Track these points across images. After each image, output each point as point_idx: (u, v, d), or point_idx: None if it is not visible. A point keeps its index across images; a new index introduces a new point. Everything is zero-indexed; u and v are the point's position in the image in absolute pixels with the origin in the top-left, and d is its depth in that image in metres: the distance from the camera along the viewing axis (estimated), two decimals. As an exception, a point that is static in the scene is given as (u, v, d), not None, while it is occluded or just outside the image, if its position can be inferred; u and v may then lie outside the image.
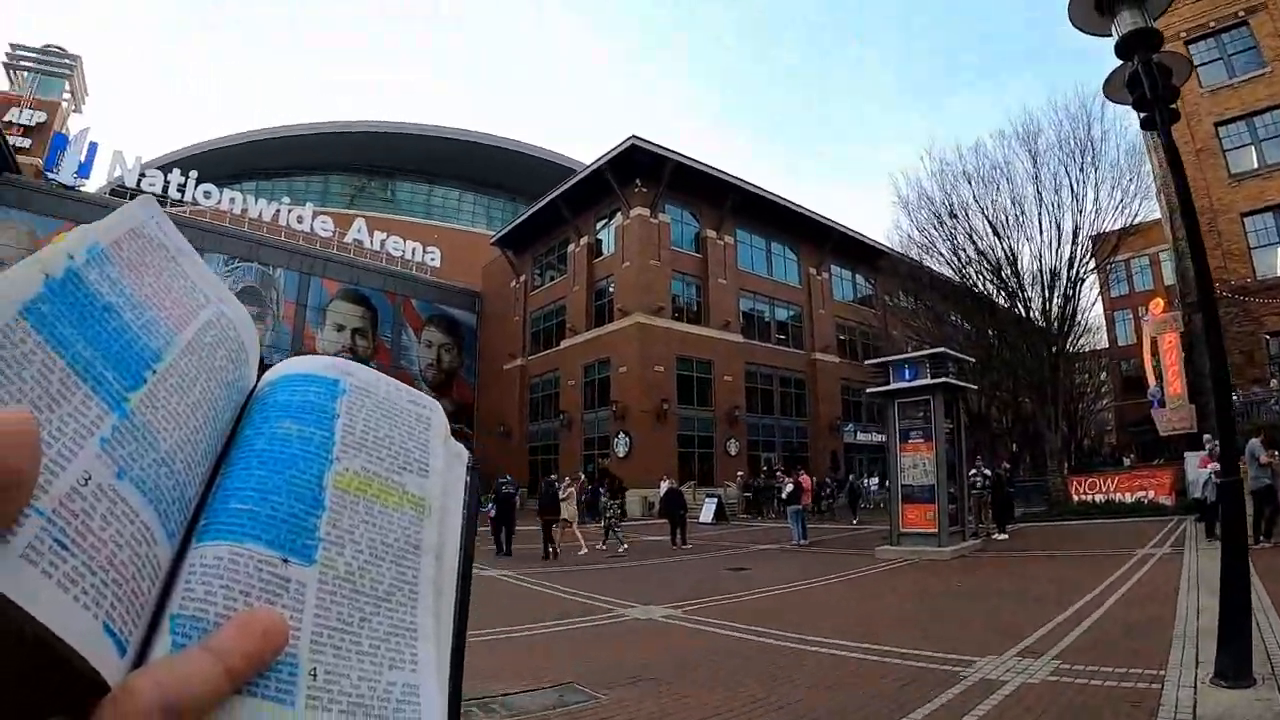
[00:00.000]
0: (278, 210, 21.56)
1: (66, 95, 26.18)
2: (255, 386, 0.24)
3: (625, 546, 9.19)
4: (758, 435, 19.81)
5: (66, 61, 27.01)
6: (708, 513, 15.09)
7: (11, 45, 26.29)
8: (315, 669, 0.19)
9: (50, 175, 19.86)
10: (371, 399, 0.24)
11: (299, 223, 21.66)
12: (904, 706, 2.66)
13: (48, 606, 0.14)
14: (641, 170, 17.75)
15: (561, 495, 9.21)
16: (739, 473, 17.59)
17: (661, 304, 18.05)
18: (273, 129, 29.84)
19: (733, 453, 18.79)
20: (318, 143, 29.48)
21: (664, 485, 13.51)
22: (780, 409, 20.80)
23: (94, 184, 20.40)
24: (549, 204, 20.44)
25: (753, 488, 16.99)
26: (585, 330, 19.25)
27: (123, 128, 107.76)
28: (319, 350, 19.97)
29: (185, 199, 20.59)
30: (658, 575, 7.55)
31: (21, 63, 26.26)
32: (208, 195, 20.86)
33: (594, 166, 18.51)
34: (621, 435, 17.46)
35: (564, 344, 19.90)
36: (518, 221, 22.40)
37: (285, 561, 0.19)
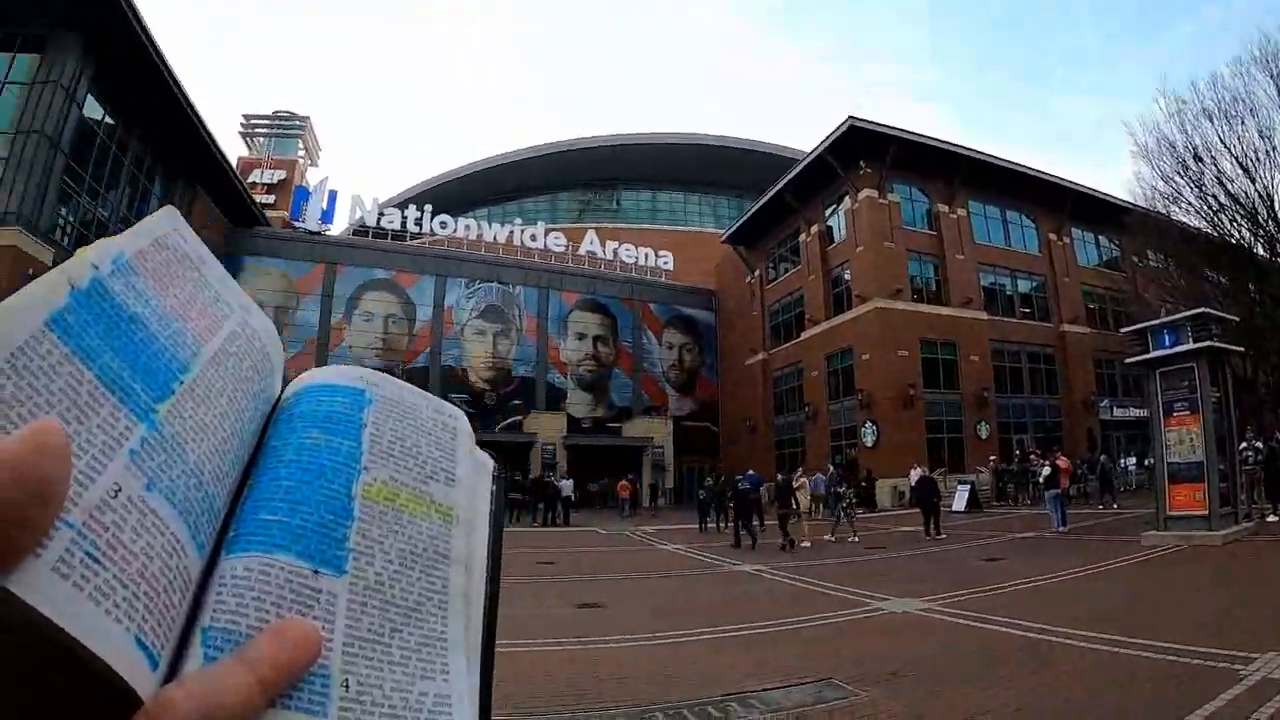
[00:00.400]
0: (511, 231, 41.38)
1: (301, 152, 53.24)
2: (280, 396, 0.40)
3: (856, 537, 15.26)
4: (1008, 417, 31.23)
5: (296, 123, 53.58)
6: (960, 500, 21.57)
7: (245, 116, 56.74)
8: (348, 680, 0.31)
9: (297, 224, 40.92)
10: (398, 409, 0.40)
11: (533, 241, 41.42)
12: (1181, 707, 3.66)
13: (79, 620, 0.22)
14: (864, 151, 30.67)
15: (795, 485, 14.94)
16: (990, 457, 28.88)
17: (899, 286, 30.42)
18: (497, 156, 53.15)
19: (983, 436, 30.16)
20: (541, 164, 52.97)
21: (914, 473, 20.09)
22: (1030, 387, 32.10)
23: (337, 228, 43.74)
24: (775, 196, 35.82)
25: (1005, 473, 27.04)
26: (824, 320, 32.83)
27: (360, 173, 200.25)
28: (563, 360, 39.13)
29: (424, 230, 41.10)
30: (912, 567, 10.45)
31: (256, 129, 54.94)
32: (444, 225, 41.12)
33: (815, 153, 32.49)
34: (868, 424, 29.84)
35: (804, 335, 34.17)
36: (746, 217, 39.19)
37: (316, 573, 0.32)
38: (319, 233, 39.63)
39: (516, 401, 37.04)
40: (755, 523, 14.75)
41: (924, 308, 29.95)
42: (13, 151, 22.71)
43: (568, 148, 52.97)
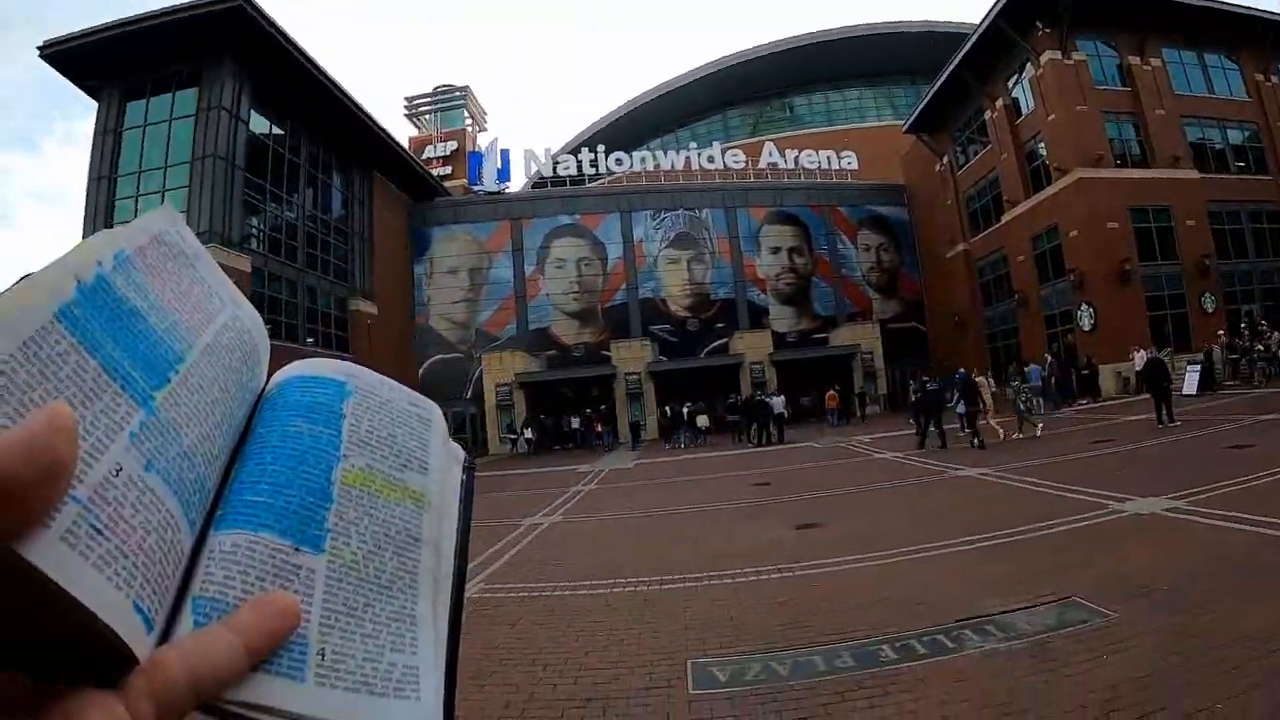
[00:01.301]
0: (687, 156, 56.45)
1: (468, 121, 74.65)
2: (266, 386, 0.66)
3: (1040, 430, 21.57)
4: (1234, 285, 40.51)
5: (457, 94, 75.76)
6: (1190, 383, 27.42)
7: (406, 98, 76.10)
8: (324, 649, 0.53)
9: (476, 188, 59.83)
10: (375, 400, 0.66)
11: (710, 162, 56.12)
12: None
13: (84, 585, 0.41)
14: (1039, 9, 38.40)
15: (976, 380, 21.94)
16: (1219, 332, 34.09)
17: (1100, 152, 40.00)
18: (660, 85, 71.14)
19: (1209, 310, 38.73)
20: (705, 86, 68.81)
21: (1137, 356, 30.45)
22: (1256, 251, 41.33)
23: (515, 184, 60.80)
24: (950, 75, 47.13)
25: (1237, 349, 31.33)
26: (1024, 199, 43.87)
27: (529, 128, 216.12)
28: (760, 276, 53.58)
29: (600, 171, 57.35)
30: (1149, 460, 13.09)
31: (420, 108, 75.86)
32: (619, 163, 57.11)
33: (987, 19, 41.05)
34: (1084, 307, 38.57)
35: (1004, 219, 45.84)
36: (924, 102, 51.37)
37: (297, 550, 0.56)
38: (498, 192, 57.53)
39: (719, 324, 51.72)
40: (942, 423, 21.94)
41: (1129, 172, 38.34)
42: (194, 177, 36.24)
43: (728, 63, 69.51)
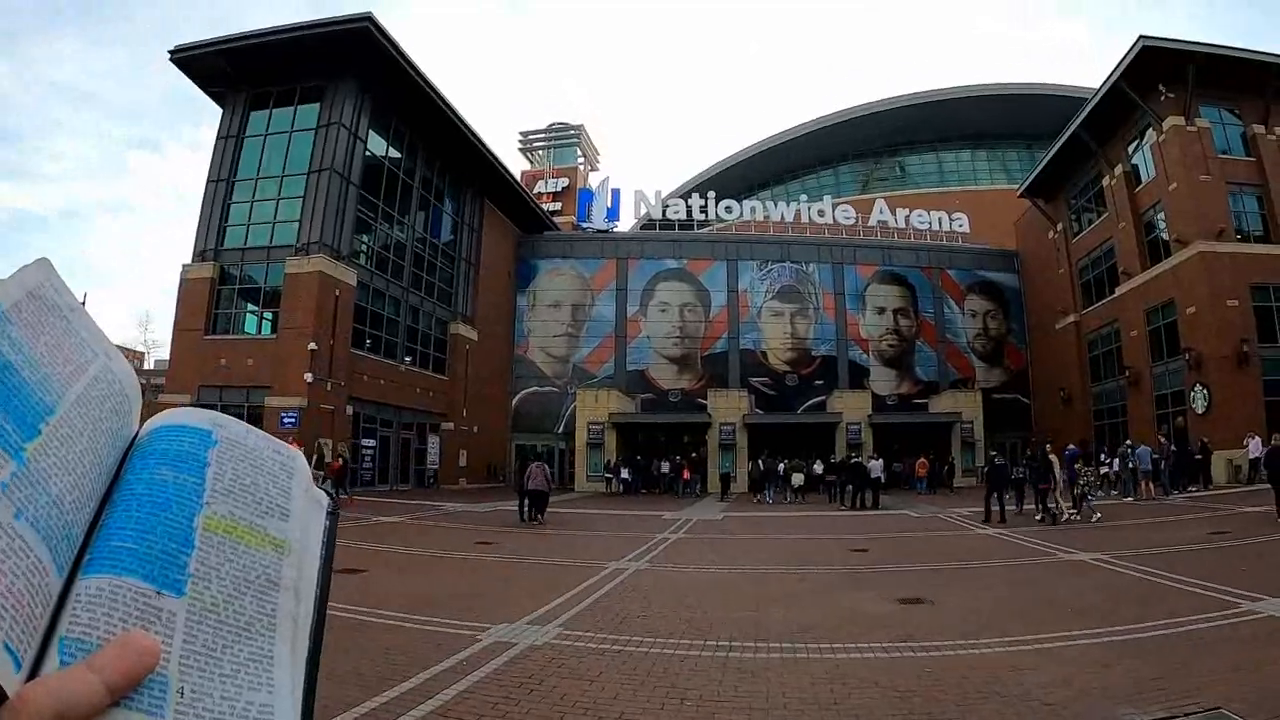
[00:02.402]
0: (798, 209, 57.16)
1: (580, 159, 78.32)
2: (138, 433, 0.71)
3: (1098, 516, 21.84)
4: None
5: (571, 132, 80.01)
6: None
7: (521, 133, 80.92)
8: (183, 687, 0.57)
9: (585, 225, 60.87)
10: (239, 449, 0.71)
11: (820, 216, 56.81)
12: None
13: None
14: (1162, 74, 37.90)
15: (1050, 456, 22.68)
16: None
17: (1222, 225, 38.68)
18: (774, 136, 72.64)
19: None
20: (818, 139, 70.11)
21: (1251, 444, 27.84)
22: None
23: (624, 224, 61.65)
24: (1069, 139, 46.69)
25: None
26: (1140, 271, 42.95)
27: (640, 169, 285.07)
28: (863, 336, 53.26)
29: (710, 217, 58.19)
30: (1275, 556, 12.86)
31: (534, 144, 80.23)
32: (729, 210, 58.15)
33: (1108, 83, 40.58)
34: (1198, 388, 37.13)
35: (1118, 291, 44.89)
36: (1041, 166, 51.02)
37: (159, 593, 0.59)
38: (607, 230, 58.61)
39: (819, 381, 51.80)
40: (1008, 497, 23.40)
41: (1252, 248, 37.22)
42: (309, 189, 37.94)
43: (843, 118, 70.57)
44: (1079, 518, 22.88)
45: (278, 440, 0.74)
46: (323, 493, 0.77)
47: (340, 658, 7.87)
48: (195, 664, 0.59)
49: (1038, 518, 22.71)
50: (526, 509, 25.09)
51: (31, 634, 0.52)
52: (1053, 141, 49.10)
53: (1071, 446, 25.37)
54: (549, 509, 25.87)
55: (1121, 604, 10.57)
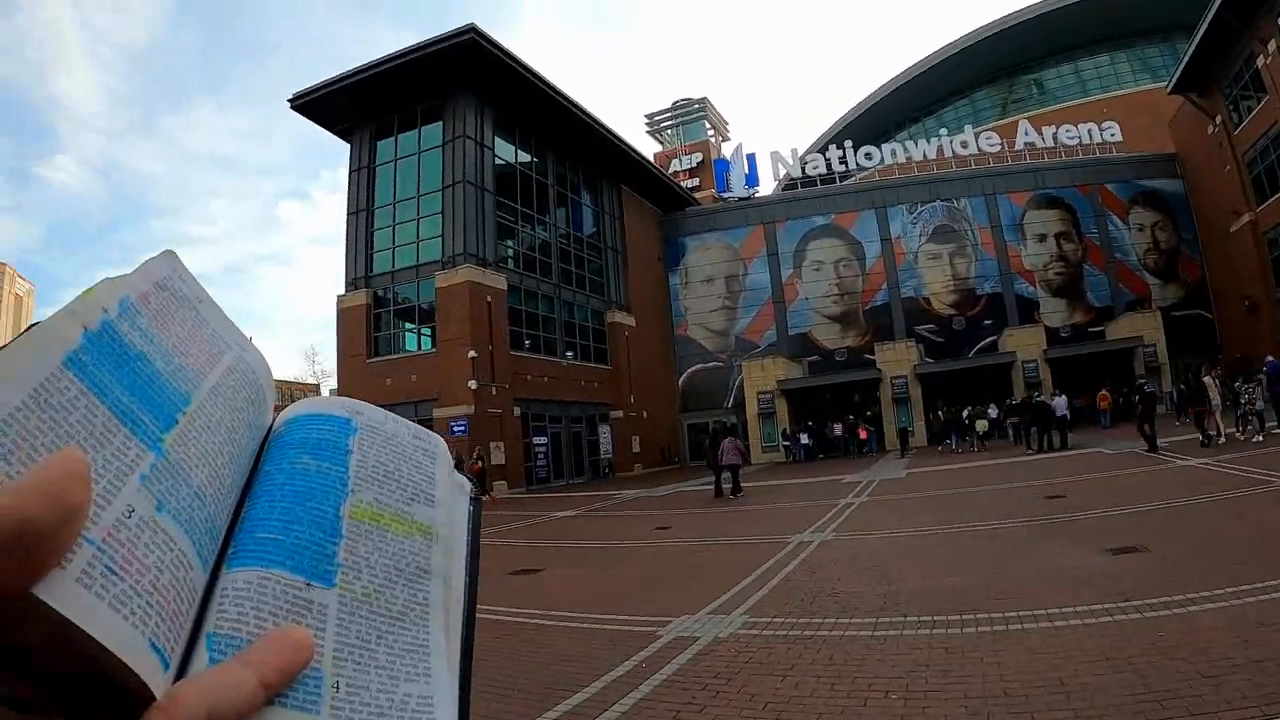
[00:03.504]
0: (939, 145, 55.44)
1: (710, 131, 77.73)
2: (273, 424, 0.68)
3: (1260, 436, 21.72)
4: None
5: (696, 106, 79.70)
6: None
7: (647, 116, 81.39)
8: (338, 682, 0.54)
9: (724, 196, 60.24)
10: (380, 436, 0.68)
11: (964, 148, 55.14)
12: None
13: (99, 624, 0.42)
14: None
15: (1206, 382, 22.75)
16: None
17: None
18: (900, 75, 71.42)
19: None
20: (945, 70, 68.39)
21: None
22: None
23: (765, 188, 60.97)
24: (1212, 22, 43.19)
25: None
26: None
27: (773, 130, 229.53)
28: (1027, 268, 51.89)
29: (850, 168, 57.09)
30: None
31: (661, 124, 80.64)
32: (869, 157, 56.94)
33: None
34: None
35: None
36: (1186, 58, 47.86)
37: (308, 585, 0.57)
38: (748, 197, 58.16)
39: (987, 321, 50.74)
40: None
41: None
42: (446, 203, 39.02)
43: (969, 42, 68.43)
44: (1242, 437, 22.97)
45: (417, 425, 0.74)
46: (465, 478, 0.76)
47: (507, 666, 7.58)
48: (350, 656, 0.58)
49: (1203, 442, 22.85)
50: (723, 484, 25.31)
51: (178, 631, 0.51)
52: (1191, 31, 46.60)
53: (1271, 359, 23.95)
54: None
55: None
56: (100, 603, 0.44)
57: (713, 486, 25.70)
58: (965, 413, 39.07)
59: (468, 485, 0.75)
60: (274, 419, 0.70)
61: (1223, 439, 22.67)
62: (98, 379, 0.49)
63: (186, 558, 0.52)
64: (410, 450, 0.70)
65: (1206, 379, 23.77)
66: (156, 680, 0.47)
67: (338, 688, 0.56)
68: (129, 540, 0.47)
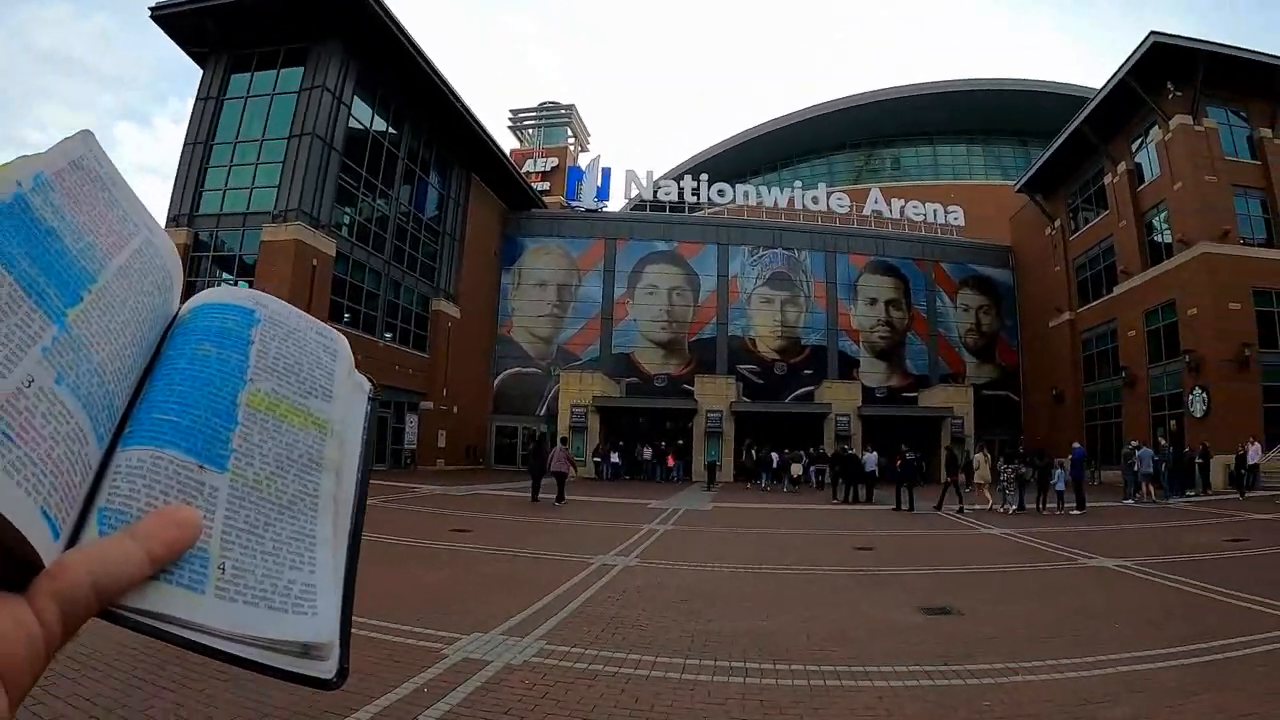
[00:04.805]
0: (791, 196, 56.25)
1: (570, 139, 78.09)
2: (178, 312, 0.71)
3: (1012, 509, 25.18)
4: None
5: (562, 112, 79.83)
6: None
7: (511, 111, 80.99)
8: (224, 564, 0.59)
9: (573, 204, 60.38)
10: (283, 329, 0.71)
11: (814, 204, 56.08)
12: None
13: None
14: (1171, 72, 38.44)
15: (974, 465, 27.46)
16: None
17: (1227, 227, 38.93)
18: (768, 122, 71.89)
19: None
20: (813, 127, 69.65)
21: (1251, 450, 30.75)
22: None
23: (614, 204, 61.10)
24: (1072, 135, 46.14)
25: None
26: (1140, 271, 42.97)
27: (631, 151, 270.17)
28: (854, 327, 52.82)
29: (702, 200, 57.39)
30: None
31: (524, 122, 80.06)
32: (721, 194, 57.20)
33: (1117, 77, 40.66)
34: (1197, 391, 38.00)
35: (1117, 290, 44.72)
36: (1042, 160, 50.20)
37: (201, 468, 0.61)
38: (596, 210, 58.16)
39: (808, 371, 51.27)
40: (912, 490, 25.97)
41: (1256, 251, 37.43)
42: (289, 153, 37.01)
43: (839, 107, 70.07)
44: (1001, 510, 25.45)
45: (320, 322, 0.74)
46: (364, 378, 0.77)
47: (259, 684, 6.18)
48: (237, 540, 0.60)
49: (934, 506, 25.73)
50: (544, 489, 25.85)
51: (70, 503, 0.52)
52: (1050, 139, 49.28)
53: (1078, 446, 27.57)
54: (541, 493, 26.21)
55: (1169, 619, 9.52)
56: None
57: (529, 492, 25.99)
58: (781, 454, 39.16)
59: (366, 385, 0.77)
60: (180, 306, 0.71)
61: (987, 507, 25.78)
62: (6, 250, 0.50)
63: (82, 431, 0.53)
64: (313, 346, 0.71)
65: (978, 455, 27.45)
66: (46, 548, 0.48)
67: (223, 569, 0.58)
68: (26, 409, 0.48)
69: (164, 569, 0.54)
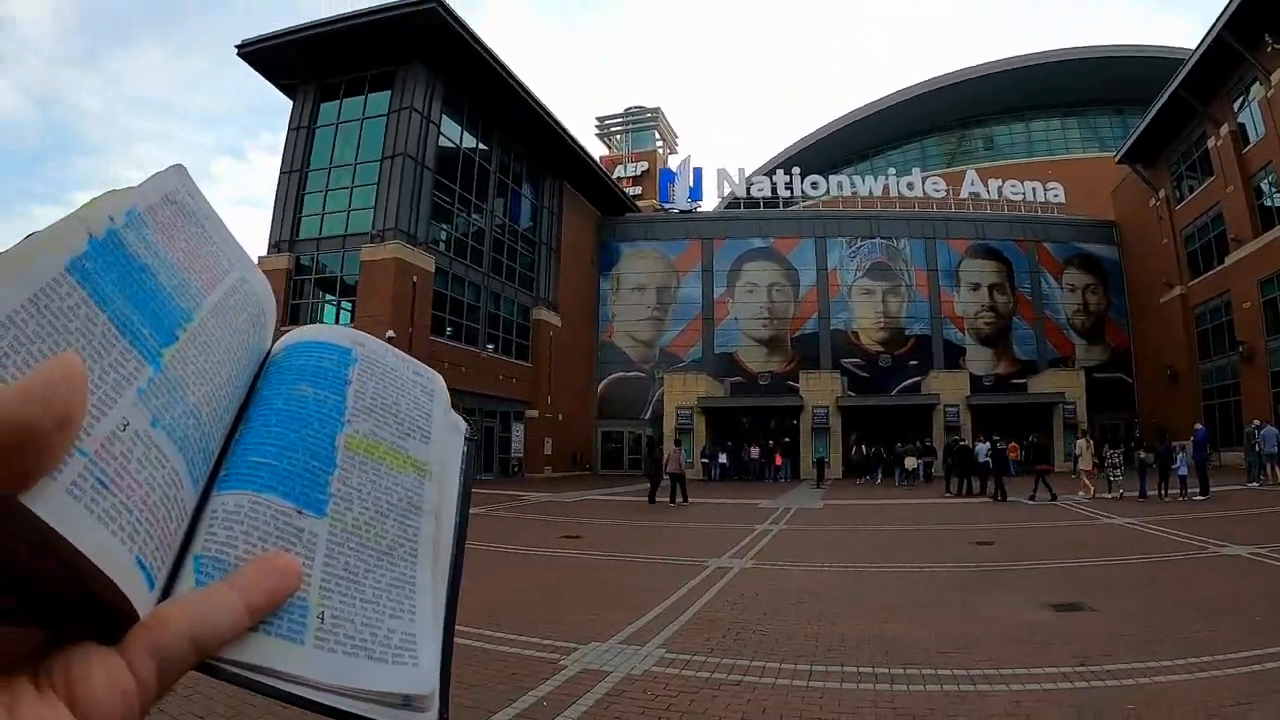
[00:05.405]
0: (885, 184, 55.67)
1: (659, 142, 77.81)
2: (272, 350, 0.68)
3: (1120, 494, 24.84)
4: None
5: (648, 116, 79.53)
6: None
7: (598, 119, 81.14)
8: (323, 612, 0.54)
9: (666, 206, 60.87)
10: (380, 368, 0.67)
11: (910, 190, 55.37)
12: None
13: (88, 538, 0.42)
14: (1266, 23, 35.61)
15: (1076, 452, 27.64)
16: None
17: None
18: (857, 110, 72.24)
19: None
20: (901, 112, 69.23)
21: None
22: None
23: (707, 204, 61.36)
24: (1169, 99, 44.21)
25: None
26: (1251, 238, 40.76)
27: (721, 150, 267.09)
28: (958, 314, 51.93)
29: (795, 194, 57.24)
30: None
31: (611, 129, 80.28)
32: (815, 186, 56.95)
33: (1211, 34, 38.54)
34: None
35: (1229, 260, 42.36)
36: (1139, 130, 48.83)
37: (300, 512, 0.57)
38: (690, 210, 58.45)
39: (913, 361, 50.72)
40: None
41: None
42: (383, 174, 37.99)
43: (926, 89, 69.51)
44: (1110, 496, 25.07)
45: (416, 361, 0.73)
46: (460, 418, 0.74)
47: None
48: (336, 588, 0.58)
49: (1045, 498, 25.18)
50: (661, 491, 26.30)
51: (166, 550, 0.51)
52: (1147, 106, 47.35)
53: (1199, 427, 26.94)
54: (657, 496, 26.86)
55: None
56: (89, 516, 0.43)
57: (637, 496, 26.28)
58: (897, 447, 39.00)
59: (463, 425, 0.74)
60: (274, 344, 0.70)
61: (1083, 494, 25.63)
62: (100, 287, 0.48)
63: (178, 476, 0.52)
64: (409, 385, 0.70)
65: (1080, 441, 27.16)
66: (142, 599, 0.47)
67: (323, 618, 0.56)
68: (122, 454, 0.46)
69: (263, 619, 0.53)
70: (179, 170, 0.61)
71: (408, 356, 0.71)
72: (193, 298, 0.57)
